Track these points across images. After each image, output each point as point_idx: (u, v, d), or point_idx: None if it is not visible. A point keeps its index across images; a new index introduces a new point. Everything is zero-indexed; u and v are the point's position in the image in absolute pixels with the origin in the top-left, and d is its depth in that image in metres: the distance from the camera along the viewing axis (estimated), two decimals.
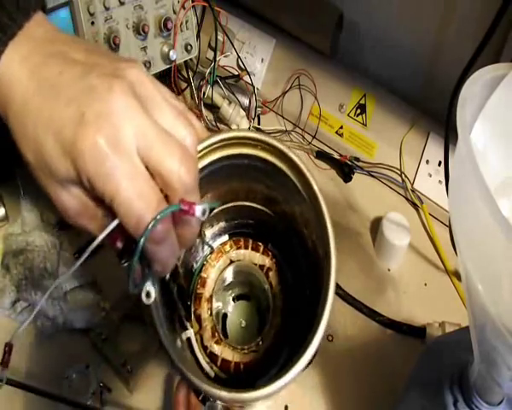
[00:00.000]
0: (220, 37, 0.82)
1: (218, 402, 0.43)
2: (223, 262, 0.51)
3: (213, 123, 0.82)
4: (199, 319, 0.49)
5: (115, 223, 0.32)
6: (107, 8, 0.67)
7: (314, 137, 0.84)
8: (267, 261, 0.51)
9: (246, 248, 0.51)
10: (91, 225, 0.35)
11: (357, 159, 0.81)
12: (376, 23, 0.80)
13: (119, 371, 0.60)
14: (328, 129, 0.84)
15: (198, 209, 0.32)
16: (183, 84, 0.86)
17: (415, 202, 0.77)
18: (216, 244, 0.52)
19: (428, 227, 0.76)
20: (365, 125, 0.81)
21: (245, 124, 0.81)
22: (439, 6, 0.71)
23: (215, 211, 0.50)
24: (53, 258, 0.64)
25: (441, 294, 0.70)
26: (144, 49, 0.73)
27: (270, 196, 0.49)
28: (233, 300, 0.52)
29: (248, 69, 0.84)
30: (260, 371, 0.48)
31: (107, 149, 0.31)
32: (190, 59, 0.81)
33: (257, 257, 0.51)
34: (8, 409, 0.58)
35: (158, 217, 0.31)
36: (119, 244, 0.34)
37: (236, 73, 0.85)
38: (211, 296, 0.50)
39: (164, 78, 0.81)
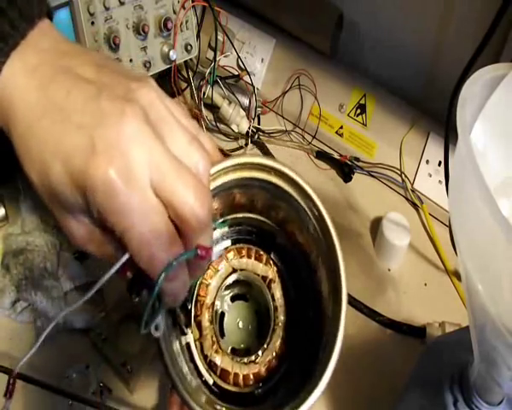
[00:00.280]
0: (220, 37, 0.82)
1: None
2: (225, 270, 0.50)
3: (213, 123, 0.82)
4: (199, 325, 0.49)
5: (126, 257, 0.31)
6: (107, 8, 0.67)
7: (314, 137, 0.84)
8: (270, 273, 0.50)
9: (249, 257, 0.51)
10: (99, 252, 0.34)
11: (357, 159, 0.81)
12: (376, 23, 0.80)
13: (119, 371, 0.60)
14: (328, 129, 0.84)
15: (215, 255, 0.32)
16: (183, 84, 0.86)
17: (415, 202, 0.77)
18: (218, 249, 0.51)
19: (428, 227, 0.76)
20: (365, 125, 0.81)
21: (245, 124, 0.81)
22: (439, 6, 0.71)
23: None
24: (53, 258, 0.64)
25: (441, 294, 0.70)
26: (144, 49, 0.73)
27: (275, 214, 0.49)
28: (231, 299, 0.52)
29: (248, 69, 0.84)
30: (259, 383, 0.49)
31: (120, 183, 0.29)
32: (190, 59, 0.81)
33: (260, 267, 0.50)
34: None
35: (174, 263, 0.30)
36: (129, 274, 0.33)
37: (236, 73, 0.85)
38: (212, 304, 0.49)
39: (164, 78, 0.81)
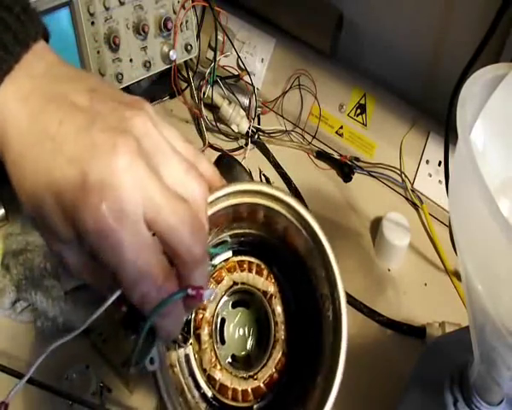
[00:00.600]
0: (220, 37, 0.82)
1: None
2: (226, 283, 0.50)
3: (213, 123, 0.82)
4: (198, 338, 0.48)
5: (117, 294, 0.31)
6: (107, 8, 0.67)
7: (314, 137, 0.84)
8: (270, 288, 0.50)
9: (250, 271, 0.50)
10: (93, 281, 0.34)
11: (357, 159, 0.81)
12: (376, 23, 0.80)
13: (119, 371, 0.60)
14: (328, 129, 0.84)
15: (205, 295, 0.31)
16: (183, 84, 0.86)
17: (415, 202, 0.77)
18: (219, 260, 0.51)
19: (428, 227, 0.76)
20: (365, 125, 0.81)
21: (245, 124, 0.81)
22: (439, 6, 0.71)
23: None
24: (53, 258, 0.64)
25: (441, 294, 0.70)
26: (144, 49, 0.73)
27: (279, 232, 0.49)
28: (232, 306, 0.52)
29: (248, 69, 0.84)
30: (258, 398, 0.48)
31: (111, 220, 0.28)
32: (190, 59, 0.82)
33: (261, 282, 0.50)
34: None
35: (163, 304, 0.30)
36: (124, 309, 0.33)
37: (236, 73, 0.85)
38: (212, 317, 0.49)
39: (164, 78, 0.81)
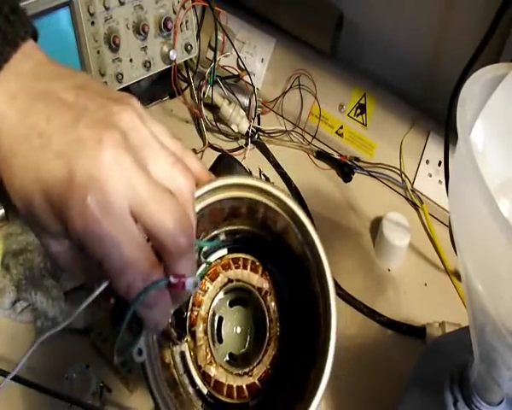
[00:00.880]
0: (220, 37, 0.82)
1: None
2: (221, 280, 0.50)
3: (213, 123, 0.82)
4: (194, 335, 0.48)
5: (104, 285, 0.31)
6: (107, 8, 0.67)
7: (314, 137, 0.84)
8: (265, 285, 0.50)
9: (244, 268, 0.50)
10: (83, 275, 0.34)
11: (357, 159, 0.81)
12: (376, 23, 0.80)
13: (119, 371, 0.60)
14: (328, 129, 0.84)
15: (189, 283, 0.32)
16: (183, 84, 0.86)
17: (415, 202, 0.77)
18: (214, 258, 0.51)
19: (428, 227, 0.76)
20: (365, 125, 0.81)
21: (245, 124, 0.81)
22: (439, 6, 0.71)
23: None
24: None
25: (441, 294, 0.70)
26: (144, 49, 0.73)
27: (269, 225, 0.49)
28: (229, 304, 0.52)
29: (248, 69, 0.84)
30: (253, 394, 0.48)
31: (98, 214, 0.29)
32: (190, 59, 0.82)
33: (255, 279, 0.50)
34: (7, 406, 0.58)
35: (146, 291, 0.30)
36: (112, 300, 0.33)
37: (236, 73, 0.85)
38: (207, 314, 0.49)
39: (164, 78, 0.81)
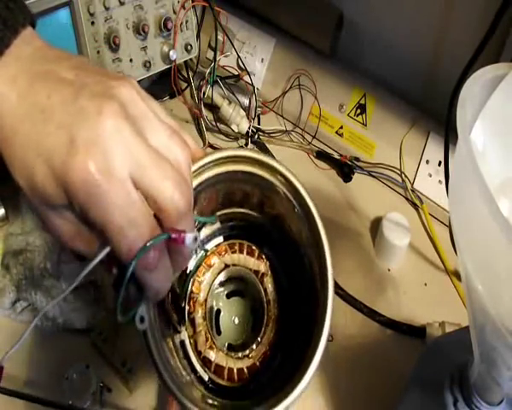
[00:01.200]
0: (220, 37, 0.82)
1: None
2: (217, 266, 0.51)
3: (213, 123, 0.82)
4: (193, 322, 0.49)
5: (106, 251, 0.32)
6: (107, 8, 0.67)
7: (314, 137, 0.84)
8: (262, 267, 0.50)
9: (241, 252, 0.51)
10: (86, 249, 0.35)
11: (357, 159, 0.81)
12: (376, 23, 0.80)
13: (119, 371, 0.60)
14: (328, 129, 0.84)
15: (188, 238, 0.32)
16: (183, 84, 0.86)
17: (415, 202, 0.77)
18: (210, 246, 0.52)
19: (428, 227, 0.76)
20: (365, 125, 0.81)
21: (245, 124, 0.81)
22: (439, 6, 0.71)
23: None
24: (53, 258, 0.64)
25: (441, 294, 0.70)
26: (144, 49, 0.73)
27: (266, 207, 0.49)
28: (226, 296, 0.52)
29: (248, 69, 0.84)
30: (254, 377, 0.49)
31: (99, 178, 0.30)
32: (190, 59, 0.82)
33: (252, 262, 0.51)
34: None
35: (147, 244, 0.31)
36: (114, 270, 0.34)
37: (236, 73, 0.85)
38: (205, 300, 0.50)
39: (164, 78, 0.81)
